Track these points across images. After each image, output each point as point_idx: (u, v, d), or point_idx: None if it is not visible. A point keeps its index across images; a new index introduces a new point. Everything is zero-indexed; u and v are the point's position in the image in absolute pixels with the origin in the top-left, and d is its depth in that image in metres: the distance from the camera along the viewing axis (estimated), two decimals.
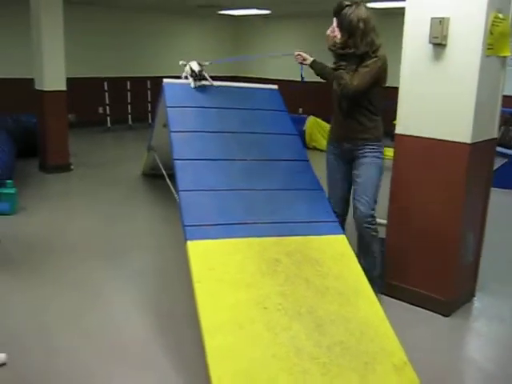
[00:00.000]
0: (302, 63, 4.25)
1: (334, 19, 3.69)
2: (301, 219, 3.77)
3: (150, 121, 11.94)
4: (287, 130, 4.66)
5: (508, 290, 4.33)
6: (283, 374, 2.82)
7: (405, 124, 3.80)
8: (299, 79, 4.46)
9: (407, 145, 3.81)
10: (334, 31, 3.69)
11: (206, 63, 4.74)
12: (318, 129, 9.82)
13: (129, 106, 11.65)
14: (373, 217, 3.80)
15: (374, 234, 3.84)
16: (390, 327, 3.21)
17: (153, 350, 3.32)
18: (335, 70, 3.77)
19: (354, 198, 3.85)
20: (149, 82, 11.92)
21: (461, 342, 3.57)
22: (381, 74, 3.64)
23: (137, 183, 7.09)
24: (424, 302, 3.84)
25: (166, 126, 5.71)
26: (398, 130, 3.85)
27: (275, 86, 5.11)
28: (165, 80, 4.79)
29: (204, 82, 4.59)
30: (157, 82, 11.71)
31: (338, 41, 3.67)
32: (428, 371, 3.07)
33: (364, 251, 3.88)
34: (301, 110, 12.65)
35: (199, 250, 3.42)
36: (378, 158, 3.78)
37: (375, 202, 3.80)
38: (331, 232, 3.74)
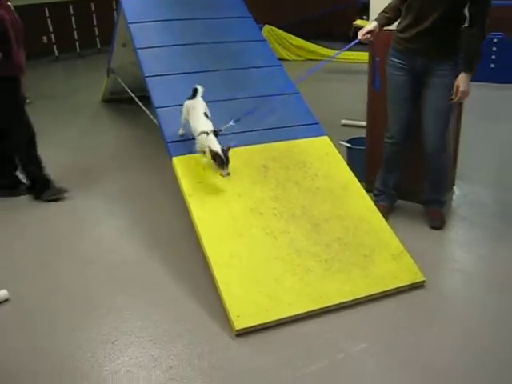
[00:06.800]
0: (370, 40, 3.49)
1: None
2: (283, 124, 3.75)
3: (98, 46, 11.45)
4: (255, 37, 4.55)
5: (485, 176, 4.47)
6: (287, 275, 2.89)
7: None
8: None
9: (386, 40, 3.54)
10: None
11: (230, 123, 3.42)
12: (274, 37, 9.61)
13: (75, 32, 11.08)
14: (443, 145, 3.49)
15: (444, 161, 3.58)
16: (383, 219, 3.31)
17: (153, 266, 3.32)
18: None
19: (423, 123, 3.47)
20: (93, 5, 11.32)
21: (447, 227, 3.69)
22: None
23: (99, 109, 6.86)
24: (407, 195, 3.93)
25: (125, 45, 5.51)
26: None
27: None
28: None
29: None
30: (101, 2, 11.34)
31: None
32: (422, 257, 3.18)
33: (431, 175, 3.67)
34: None
35: (186, 165, 3.40)
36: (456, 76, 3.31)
37: (447, 127, 3.46)
38: (314, 134, 3.75)
